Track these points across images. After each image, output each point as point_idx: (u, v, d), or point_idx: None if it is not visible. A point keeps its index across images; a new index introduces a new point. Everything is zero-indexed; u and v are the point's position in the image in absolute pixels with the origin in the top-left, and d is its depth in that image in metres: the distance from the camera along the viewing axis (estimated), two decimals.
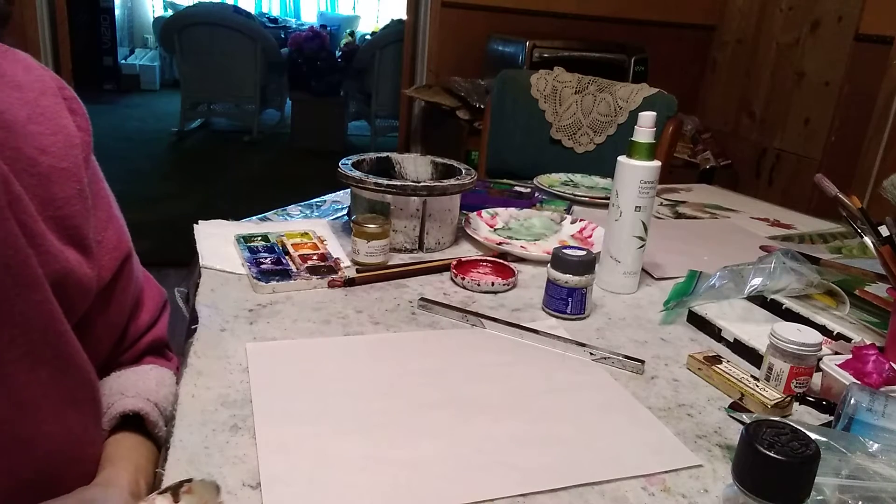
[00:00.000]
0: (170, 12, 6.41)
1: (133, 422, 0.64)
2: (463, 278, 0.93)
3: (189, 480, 0.47)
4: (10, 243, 0.49)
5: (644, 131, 0.90)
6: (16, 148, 0.53)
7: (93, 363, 0.58)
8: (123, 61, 6.69)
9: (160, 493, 0.46)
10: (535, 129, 1.85)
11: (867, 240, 0.77)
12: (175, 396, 0.66)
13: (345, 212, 1.23)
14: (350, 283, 0.91)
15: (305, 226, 1.10)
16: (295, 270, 0.92)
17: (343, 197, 1.32)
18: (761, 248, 1.18)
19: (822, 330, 0.83)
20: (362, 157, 1.11)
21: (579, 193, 1.42)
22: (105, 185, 0.64)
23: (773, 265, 0.88)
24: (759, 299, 0.90)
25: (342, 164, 1.05)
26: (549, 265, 0.87)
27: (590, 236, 1.15)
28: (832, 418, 0.63)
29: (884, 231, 0.76)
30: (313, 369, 0.71)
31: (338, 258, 0.97)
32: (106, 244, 0.62)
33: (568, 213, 1.25)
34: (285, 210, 1.27)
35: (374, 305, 0.86)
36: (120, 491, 0.55)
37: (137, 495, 0.56)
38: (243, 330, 0.77)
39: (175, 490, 0.46)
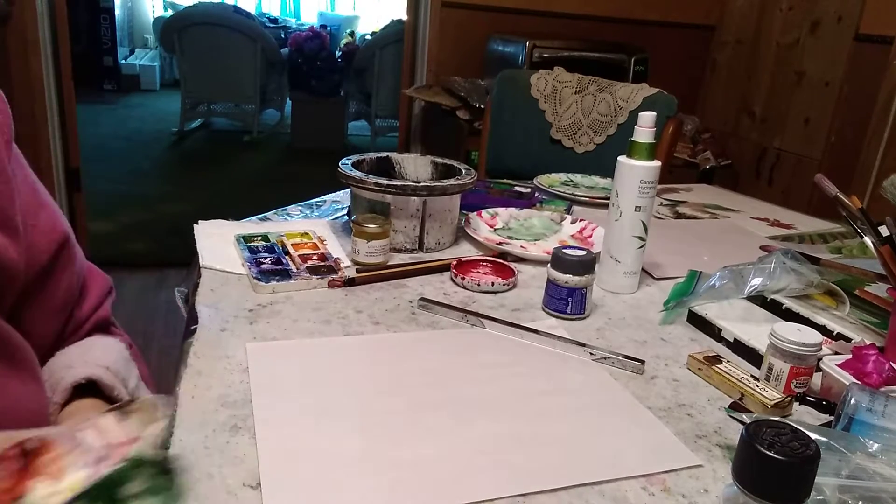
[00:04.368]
0: (170, 12, 6.40)
1: (89, 391, 0.64)
2: (463, 278, 0.93)
3: (133, 400, 0.49)
4: None
5: (644, 131, 0.90)
6: None
7: (38, 347, 0.60)
8: (123, 61, 6.69)
9: (109, 411, 0.48)
10: (535, 129, 1.85)
11: (867, 240, 0.77)
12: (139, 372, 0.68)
13: (345, 212, 1.22)
14: (350, 283, 0.91)
15: (305, 226, 1.10)
16: (295, 270, 0.92)
17: (343, 197, 1.32)
18: (761, 248, 1.18)
19: (822, 330, 0.83)
20: (362, 157, 1.11)
21: (579, 193, 1.42)
22: (31, 173, 0.65)
23: (773, 265, 0.88)
24: (759, 299, 0.90)
25: (342, 164, 1.05)
26: (549, 265, 0.87)
27: (590, 236, 1.15)
28: (832, 418, 0.63)
29: (884, 231, 0.76)
30: (313, 369, 0.71)
31: (338, 258, 0.97)
32: (40, 227, 0.63)
33: (568, 213, 1.25)
34: (285, 210, 1.27)
35: (374, 305, 0.86)
36: None
37: None
38: (243, 330, 0.77)
39: (123, 408, 0.48)
